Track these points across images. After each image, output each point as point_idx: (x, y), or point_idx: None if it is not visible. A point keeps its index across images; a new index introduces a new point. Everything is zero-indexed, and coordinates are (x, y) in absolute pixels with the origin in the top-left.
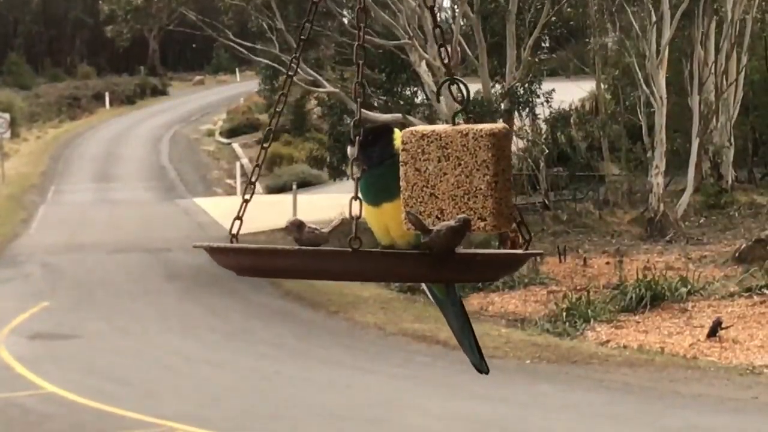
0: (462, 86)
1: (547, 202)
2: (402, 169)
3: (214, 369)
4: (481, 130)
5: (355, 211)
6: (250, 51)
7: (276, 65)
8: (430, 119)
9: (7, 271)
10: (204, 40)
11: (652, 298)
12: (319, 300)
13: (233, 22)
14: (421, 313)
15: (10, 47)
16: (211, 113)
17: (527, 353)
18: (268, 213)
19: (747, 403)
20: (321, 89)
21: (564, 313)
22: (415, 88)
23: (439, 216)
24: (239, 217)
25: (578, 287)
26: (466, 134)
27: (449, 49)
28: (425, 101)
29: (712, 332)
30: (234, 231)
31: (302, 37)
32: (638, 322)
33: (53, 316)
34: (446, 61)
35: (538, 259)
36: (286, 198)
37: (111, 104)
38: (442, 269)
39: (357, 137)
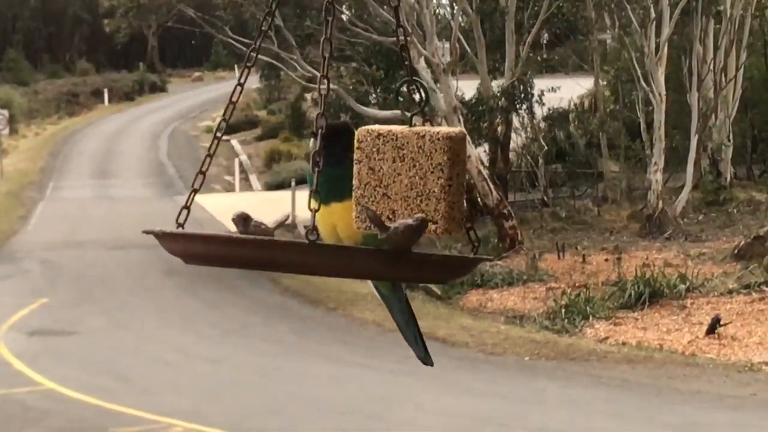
0: (421, 88)
1: (545, 199)
2: (355, 167)
3: (212, 365)
4: (438, 133)
5: (314, 205)
6: (248, 48)
7: (275, 62)
8: (428, 115)
9: (6, 267)
10: (203, 36)
11: (651, 295)
12: (317, 296)
13: (231, 18)
14: (419, 309)
15: (9, 43)
16: (209, 110)
17: (526, 350)
18: (267, 210)
19: (745, 399)
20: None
21: (563, 310)
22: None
23: (391, 216)
24: (187, 207)
25: (577, 284)
26: (423, 136)
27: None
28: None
29: (711, 329)
30: (180, 220)
31: (263, 27)
32: (637, 319)
33: (52, 312)
34: (407, 62)
35: (537, 256)
36: (284, 195)
37: (110, 101)
38: (398, 267)
39: (320, 130)
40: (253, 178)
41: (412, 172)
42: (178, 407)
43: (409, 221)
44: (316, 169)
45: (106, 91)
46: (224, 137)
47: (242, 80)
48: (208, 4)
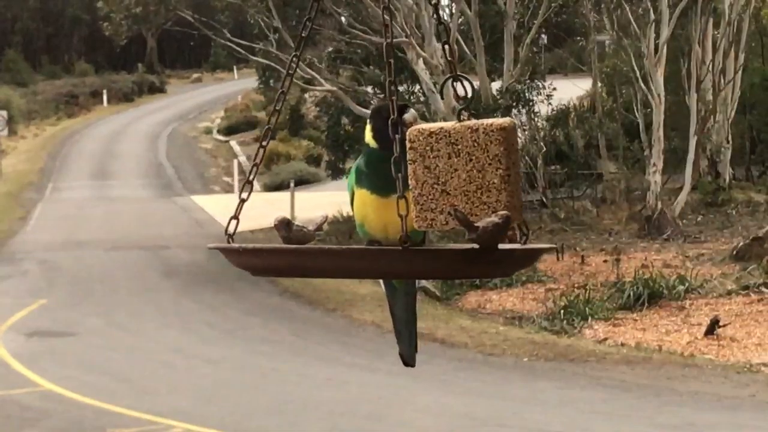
0: (467, 83)
1: (544, 200)
2: (410, 168)
3: (211, 366)
4: (491, 125)
5: (402, 209)
6: (247, 50)
7: (274, 64)
8: (427, 117)
9: (5, 268)
10: (202, 37)
11: (650, 296)
12: (316, 297)
13: (230, 21)
14: (418, 310)
15: (8, 44)
16: (208, 111)
17: (525, 351)
18: (266, 211)
19: (744, 400)
20: (318, 88)
21: (562, 311)
22: (413, 87)
23: (452, 212)
24: (236, 217)
25: (576, 285)
26: (476, 130)
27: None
28: (422, 99)
29: (710, 330)
30: (231, 230)
31: (303, 34)
32: (636, 320)
33: (51, 313)
34: (449, 58)
35: None
36: (283, 196)
37: (109, 101)
38: (479, 265)
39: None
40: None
41: (470, 166)
42: (176, 408)
43: (496, 219)
44: (399, 175)
45: (105, 92)
46: (223, 138)
47: (286, 88)
48: (207, 6)
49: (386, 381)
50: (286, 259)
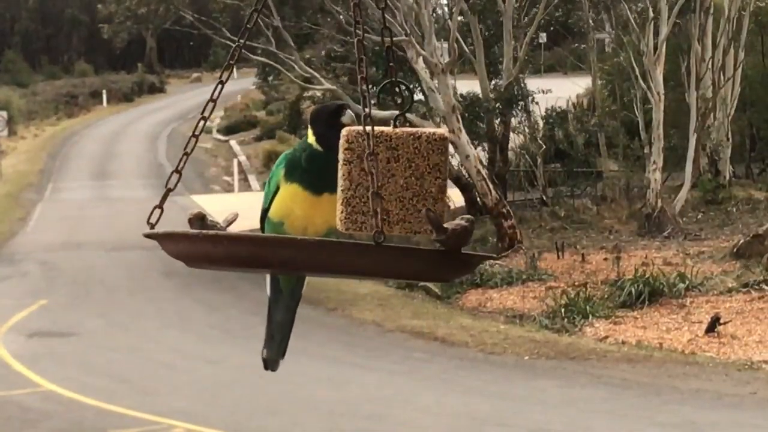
0: (405, 89)
1: (544, 198)
2: (345, 168)
3: (212, 366)
4: (434, 134)
5: (376, 205)
6: (247, 49)
7: (273, 63)
8: (426, 116)
9: (5, 269)
10: (201, 37)
11: (650, 293)
12: (317, 297)
13: (228, 21)
14: (419, 309)
15: (8, 45)
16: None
17: (525, 349)
18: None
19: (745, 398)
20: (317, 86)
21: (562, 309)
22: (412, 85)
23: (385, 217)
24: (159, 206)
25: (576, 283)
26: (419, 137)
27: (452, 44)
28: (421, 97)
29: (711, 328)
30: (153, 220)
31: (248, 25)
32: (636, 318)
33: (51, 313)
34: (390, 63)
35: (536, 255)
36: None
37: (108, 102)
38: (445, 267)
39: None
40: (252, 179)
41: (408, 173)
42: (177, 408)
43: (462, 222)
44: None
45: (104, 92)
46: (222, 138)
47: (225, 78)
48: (206, 6)
49: (387, 380)
50: (246, 249)
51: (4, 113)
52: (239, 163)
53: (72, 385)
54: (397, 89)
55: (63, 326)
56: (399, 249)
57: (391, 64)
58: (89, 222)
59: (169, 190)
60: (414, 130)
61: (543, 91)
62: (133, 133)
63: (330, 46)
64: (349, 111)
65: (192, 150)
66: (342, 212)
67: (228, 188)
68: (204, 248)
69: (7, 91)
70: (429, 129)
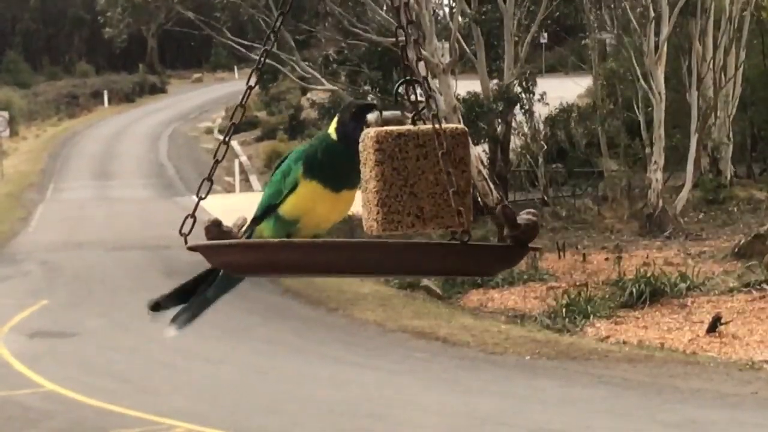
0: (420, 87)
1: (546, 198)
2: (378, 169)
3: (212, 365)
4: (456, 129)
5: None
6: (247, 49)
7: (275, 63)
8: (426, 115)
9: (7, 269)
10: (203, 37)
11: (652, 293)
12: (318, 297)
13: (229, 20)
14: (420, 309)
15: (9, 45)
16: (209, 111)
17: (527, 349)
18: None
19: (746, 398)
20: (319, 87)
21: (563, 309)
22: (412, 86)
23: (419, 214)
24: (192, 216)
25: (577, 283)
26: (443, 133)
27: (452, 44)
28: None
29: (712, 328)
30: (186, 230)
31: (274, 30)
32: (638, 318)
33: (52, 313)
34: (406, 62)
35: (538, 255)
36: None
37: (110, 102)
38: (506, 261)
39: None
40: (254, 179)
41: (437, 169)
42: (178, 408)
43: (531, 217)
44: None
45: (105, 92)
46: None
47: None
48: (207, 5)
49: (387, 380)
50: (293, 255)
51: (6, 113)
52: (240, 164)
53: (73, 384)
54: (412, 88)
55: (64, 326)
56: (481, 247)
57: (406, 62)
58: (90, 222)
59: (200, 199)
60: (437, 126)
61: (541, 97)
62: (134, 134)
63: (326, 52)
64: (378, 112)
65: (223, 157)
66: (378, 213)
67: (229, 188)
68: (242, 257)
69: (8, 91)
70: (450, 125)
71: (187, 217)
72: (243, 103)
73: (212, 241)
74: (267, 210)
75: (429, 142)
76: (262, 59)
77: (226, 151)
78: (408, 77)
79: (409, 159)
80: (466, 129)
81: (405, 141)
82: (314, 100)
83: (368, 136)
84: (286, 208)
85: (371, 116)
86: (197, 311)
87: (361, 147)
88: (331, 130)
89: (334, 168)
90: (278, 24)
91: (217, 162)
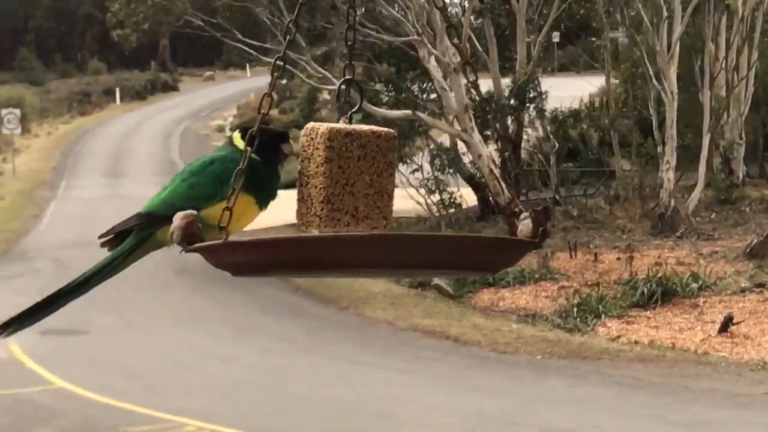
0: (358, 88)
1: (557, 197)
2: (327, 166)
3: (223, 364)
4: (389, 132)
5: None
6: (257, 50)
7: (287, 66)
8: (439, 115)
9: (18, 266)
10: (214, 36)
11: (663, 293)
12: (329, 295)
13: (237, 21)
14: (431, 308)
15: (21, 43)
16: (221, 109)
17: (538, 348)
18: (279, 208)
19: (757, 398)
20: (330, 87)
21: (575, 309)
22: (424, 84)
23: (354, 213)
24: (229, 209)
25: (589, 283)
26: (379, 135)
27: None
28: (434, 96)
29: (724, 328)
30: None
31: (287, 36)
32: (649, 318)
33: (64, 311)
34: (349, 60)
35: (549, 254)
36: (294, 193)
37: (121, 100)
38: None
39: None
40: None
41: (372, 170)
42: (189, 406)
43: (539, 210)
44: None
45: (117, 90)
46: None
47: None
48: (214, 7)
49: (398, 379)
50: (344, 249)
51: (18, 111)
52: None
53: (84, 382)
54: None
55: (75, 324)
56: (512, 241)
57: (349, 61)
58: (102, 220)
59: (234, 189)
60: (375, 128)
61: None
62: (146, 131)
63: (341, 48)
64: (291, 142)
65: (253, 148)
66: (322, 210)
67: None
68: (263, 256)
69: (20, 88)
70: (382, 128)
71: (224, 209)
72: (270, 93)
73: (215, 242)
74: (179, 210)
75: (369, 144)
76: (284, 47)
77: (256, 141)
78: (347, 78)
79: (352, 158)
80: (395, 133)
81: (351, 140)
82: (326, 98)
83: (319, 131)
84: (214, 214)
85: (286, 147)
86: (40, 318)
87: (305, 141)
88: (241, 146)
89: (265, 186)
90: (297, 12)
91: (248, 152)
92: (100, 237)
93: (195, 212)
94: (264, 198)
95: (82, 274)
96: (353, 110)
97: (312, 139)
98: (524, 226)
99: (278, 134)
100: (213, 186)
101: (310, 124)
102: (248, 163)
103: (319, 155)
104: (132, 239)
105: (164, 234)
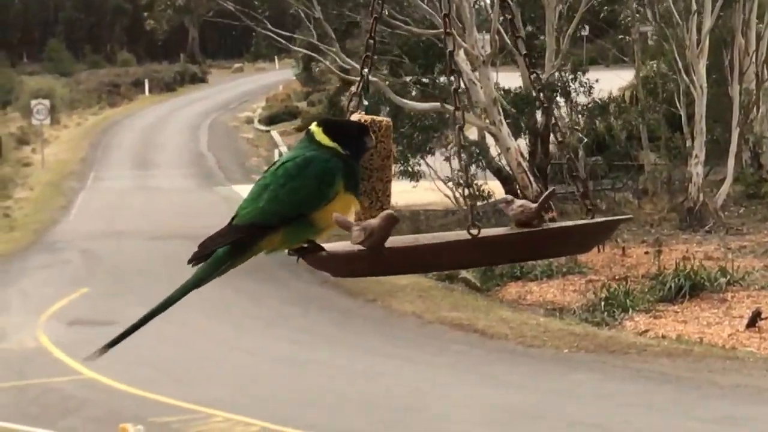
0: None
1: (585, 191)
2: (390, 159)
3: (250, 355)
4: (388, 121)
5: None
6: (287, 40)
7: (314, 54)
8: (466, 108)
9: (47, 257)
10: (243, 27)
11: (691, 288)
12: (357, 288)
13: (269, 11)
14: (458, 301)
15: (51, 34)
16: (249, 101)
17: (565, 342)
18: None
19: None
20: (357, 78)
21: (602, 303)
22: (452, 77)
23: (372, 202)
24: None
25: (617, 277)
26: (381, 123)
27: (493, 37)
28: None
29: (752, 322)
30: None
31: (368, 53)
32: (677, 312)
33: (92, 302)
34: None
35: None
36: None
37: (150, 91)
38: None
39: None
40: None
41: (382, 156)
42: (216, 397)
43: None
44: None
45: (146, 81)
46: (264, 128)
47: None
48: None
49: (425, 372)
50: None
51: (47, 102)
52: (280, 154)
53: (112, 373)
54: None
55: (103, 314)
56: (608, 222)
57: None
58: (130, 211)
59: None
60: (376, 117)
61: (590, 83)
62: (175, 123)
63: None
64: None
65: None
66: (387, 202)
67: None
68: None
69: (50, 79)
70: (378, 117)
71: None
72: (357, 92)
73: (354, 250)
74: (293, 216)
75: (377, 132)
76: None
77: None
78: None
79: (375, 150)
80: (390, 122)
81: (375, 129)
82: (354, 90)
83: (383, 125)
84: (324, 216)
85: (368, 140)
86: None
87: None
88: (327, 142)
89: (359, 181)
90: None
91: (357, 95)
92: (191, 261)
93: (395, 213)
94: (358, 193)
95: (170, 295)
96: (356, 102)
97: (375, 132)
98: (518, 211)
99: (361, 128)
100: (317, 189)
101: (368, 118)
102: (345, 161)
103: (385, 148)
104: (228, 253)
105: (269, 242)
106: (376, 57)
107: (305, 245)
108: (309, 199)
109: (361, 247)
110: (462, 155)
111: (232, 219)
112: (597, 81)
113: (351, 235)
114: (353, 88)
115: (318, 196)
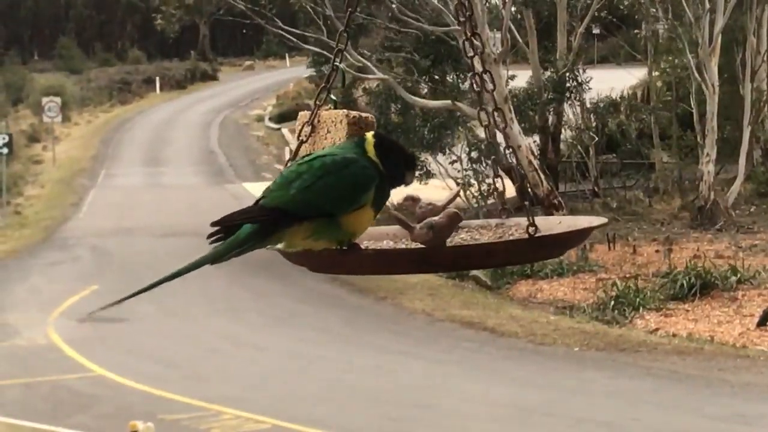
0: (342, 73)
1: (596, 189)
2: None
3: (260, 352)
4: (368, 117)
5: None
6: (299, 38)
7: (325, 52)
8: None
9: (57, 254)
10: (254, 25)
11: (702, 286)
12: (367, 285)
13: (278, 10)
14: (469, 299)
15: (62, 31)
16: (260, 98)
17: (575, 340)
18: None
19: None
20: (370, 76)
21: (613, 301)
22: (463, 75)
23: None
24: None
25: (627, 275)
26: (366, 122)
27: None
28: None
29: (762, 321)
30: None
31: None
32: (687, 311)
33: (102, 299)
34: (339, 48)
35: (587, 246)
36: None
37: (161, 89)
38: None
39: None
40: None
41: None
42: (225, 394)
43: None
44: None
45: (157, 79)
46: (274, 126)
47: (331, 83)
48: None
49: (435, 369)
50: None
51: (58, 99)
52: (291, 151)
53: (122, 370)
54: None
55: (114, 312)
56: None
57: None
58: (141, 208)
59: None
60: (363, 114)
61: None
62: (186, 121)
63: (377, 41)
64: (414, 171)
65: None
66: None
67: None
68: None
69: (61, 77)
70: (363, 113)
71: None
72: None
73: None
74: (321, 212)
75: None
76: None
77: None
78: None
79: None
80: (374, 118)
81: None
82: (365, 87)
83: (368, 120)
84: (350, 221)
85: (409, 176)
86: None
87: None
88: (372, 154)
89: (383, 203)
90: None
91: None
92: (214, 224)
93: (459, 212)
94: (378, 213)
95: (184, 266)
96: (334, 98)
97: (361, 128)
98: (426, 210)
99: (410, 161)
100: (351, 191)
101: (355, 113)
102: (381, 178)
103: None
104: (251, 233)
105: (294, 233)
106: (387, 54)
107: (336, 246)
108: (341, 199)
109: (417, 245)
110: (509, 156)
111: (259, 199)
112: (591, 79)
113: (412, 233)
114: (323, 83)
115: (350, 199)
